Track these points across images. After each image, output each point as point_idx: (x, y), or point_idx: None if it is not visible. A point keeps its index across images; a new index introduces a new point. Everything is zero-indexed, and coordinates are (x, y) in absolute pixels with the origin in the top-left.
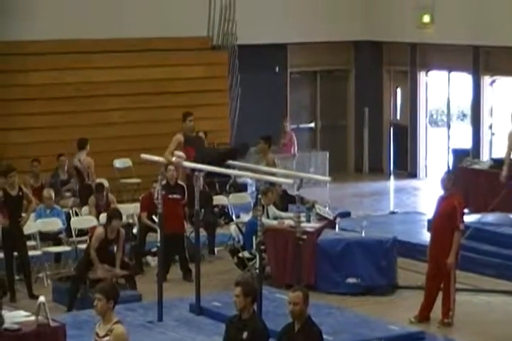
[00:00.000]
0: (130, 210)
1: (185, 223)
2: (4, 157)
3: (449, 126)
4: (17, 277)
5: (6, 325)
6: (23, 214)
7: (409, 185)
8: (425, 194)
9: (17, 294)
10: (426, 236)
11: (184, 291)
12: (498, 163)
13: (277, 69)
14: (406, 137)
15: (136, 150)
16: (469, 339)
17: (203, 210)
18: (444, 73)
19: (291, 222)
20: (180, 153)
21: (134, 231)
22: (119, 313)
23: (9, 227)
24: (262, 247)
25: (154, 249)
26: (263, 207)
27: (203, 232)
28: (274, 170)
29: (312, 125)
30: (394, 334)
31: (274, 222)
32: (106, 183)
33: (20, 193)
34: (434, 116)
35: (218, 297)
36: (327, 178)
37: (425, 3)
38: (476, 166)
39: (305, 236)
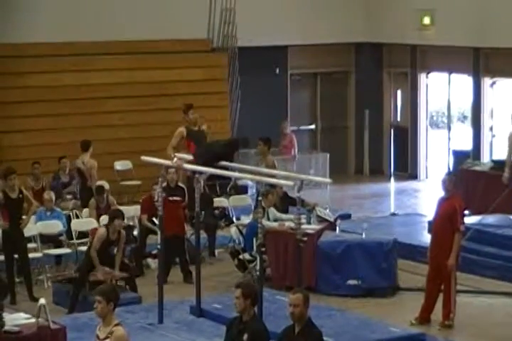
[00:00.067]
0: (130, 212)
1: (185, 225)
2: (4, 159)
3: (449, 128)
4: (17, 279)
5: (6, 328)
6: (24, 217)
7: (410, 187)
8: (426, 196)
9: (17, 296)
10: (426, 238)
11: (185, 293)
12: (498, 164)
13: (277, 71)
14: (406, 139)
15: (137, 153)
16: None
17: (203, 212)
18: (444, 75)
19: (292, 224)
20: (182, 155)
21: (135, 233)
22: (119, 315)
23: (10, 230)
24: (263, 249)
25: (155, 251)
26: (263, 209)
27: (203, 234)
28: (274, 172)
29: (312, 127)
30: (395, 336)
31: (275, 224)
32: (106, 185)
33: (21, 196)
34: (435, 118)
35: (219, 299)
36: (327, 180)
37: (426, 5)
38: (477, 168)
39: (305, 238)
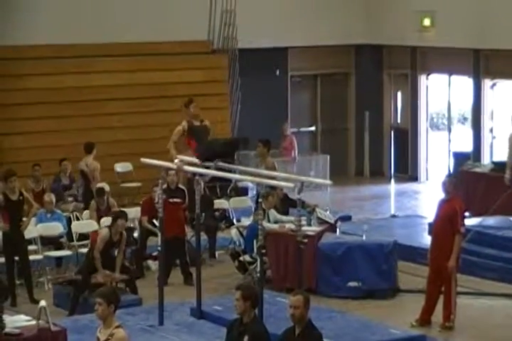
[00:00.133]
0: (131, 214)
1: (186, 227)
2: (4, 161)
3: (449, 130)
4: (18, 281)
5: (7, 330)
6: (24, 219)
7: (410, 189)
8: (426, 197)
9: (18, 298)
10: (427, 240)
11: (185, 295)
12: (499, 166)
13: (278, 72)
14: (407, 140)
15: (137, 154)
16: None
17: (203, 214)
18: (444, 76)
19: (292, 226)
20: (183, 157)
21: (135, 235)
22: (119, 317)
23: (10, 232)
24: (263, 251)
25: (155, 253)
26: (264, 210)
27: (203, 236)
28: (274, 173)
29: (313, 128)
30: (395, 338)
31: (275, 226)
32: (107, 187)
33: (21, 198)
34: (435, 120)
35: (219, 301)
36: (328, 182)
37: (426, 7)
38: (477, 169)
39: (306, 240)
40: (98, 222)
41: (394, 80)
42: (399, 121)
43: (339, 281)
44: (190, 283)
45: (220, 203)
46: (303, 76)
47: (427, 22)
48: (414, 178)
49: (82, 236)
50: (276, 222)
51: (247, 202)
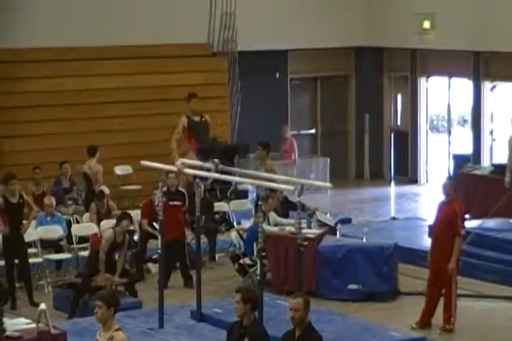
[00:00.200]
0: None
1: (186, 230)
2: (5, 164)
3: (449, 132)
4: (18, 284)
5: (7, 333)
6: (24, 222)
7: (410, 191)
8: (426, 200)
9: (18, 301)
10: (427, 242)
11: (185, 298)
12: (498, 168)
13: (278, 75)
14: (407, 143)
15: (137, 157)
16: None
17: (203, 217)
18: (444, 79)
19: (292, 229)
20: (184, 160)
21: (135, 238)
22: (119, 320)
23: (10, 235)
24: (263, 254)
25: (155, 256)
26: (264, 213)
27: (203, 239)
28: (274, 176)
29: (313, 131)
30: None
31: (275, 229)
32: (107, 190)
33: (21, 201)
34: (435, 122)
35: (219, 303)
36: (328, 184)
37: (426, 9)
38: (477, 172)
39: (306, 243)
40: (98, 224)
41: (394, 83)
42: (399, 123)
43: (339, 284)
44: (190, 285)
45: (220, 206)
46: (303, 78)
47: (426, 24)
48: (414, 181)
49: (82, 239)
50: (276, 225)
51: (247, 204)
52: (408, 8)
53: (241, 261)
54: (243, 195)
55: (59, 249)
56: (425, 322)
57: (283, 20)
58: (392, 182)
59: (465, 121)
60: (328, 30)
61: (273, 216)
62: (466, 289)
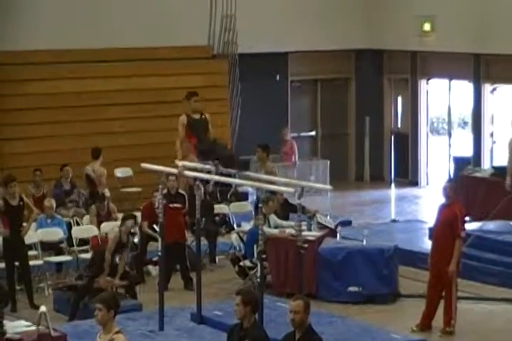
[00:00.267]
0: None
1: (186, 232)
2: (5, 167)
3: (450, 134)
4: (18, 287)
5: (7, 335)
6: (24, 224)
7: (411, 193)
8: (426, 202)
9: (18, 304)
10: (427, 245)
11: (185, 300)
12: (499, 171)
13: (278, 77)
14: (407, 145)
15: (137, 160)
16: None
17: (204, 219)
18: (444, 81)
19: (293, 231)
20: (185, 162)
21: (135, 240)
22: (119, 323)
23: (10, 237)
24: (263, 256)
25: (155, 258)
26: (264, 215)
27: (204, 241)
28: (275, 178)
29: (313, 133)
30: None
31: (275, 231)
32: (107, 193)
33: (21, 203)
34: (435, 124)
35: (219, 306)
36: (328, 187)
37: (426, 12)
38: (477, 174)
39: (306, 245)
40: (98, 227)
41: (394, 85)
42: (399, 125)
43: (339, 286)
44: (190, 288)
45: (220, 208)
46: (303, 81)
47: (427, 27)
48: (414, 183)
49: (83, 242)
50: (276, 227)
51: (247, 207)
52: (408, 11)
53: (241, 264)
54: (243, 197)
55: (59, 252)
56: (425, 325)
57: (283, 23)
58: (393, 185)
59: (465, 123)
60: (328, 33)
61: (273, 218)
62: (466, 291)
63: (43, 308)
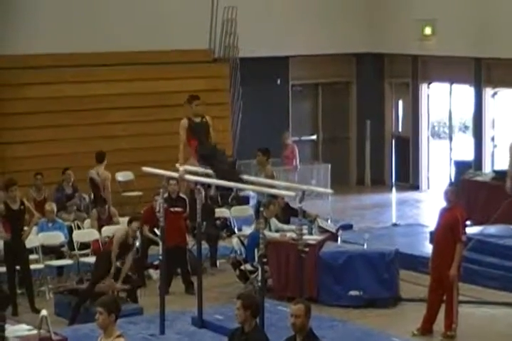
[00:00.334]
0: None
1: (187, 236)
2: (6, 171)
3: (451, 138)
4: (19, 291)
5: (8, 339)
6: (25, 228)
7: (412, 197)
8: (427, 206)
9: (19, 308)
10: (428, 249)
11: (186, 304)
12: (500, 174)
13: (279, 81)
14: (408, 149)
15: (138, 163)
16: None
17: (205, 223)
18: (445, 85)
19: (293, 235)
20: (187, 167)
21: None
22: (121, 327)
23: (11, 241)
24: (264, 260)
25: (156, 262)
26: (265, 219)
27: (205, 245)
28: (276, 182)
29: (314, 137)
30: None
31: (276, 235)
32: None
33: (22, 207)
34: (436, 128)
35: (220, 310)
36: (329, 191)
37: (427, 16)
38: (479, 178)
39: (307, 249)
40: (99, 231)
41: (395, 89)
42: (400, 129)
43: (340, 290)
44: (191, 292)
45: (221, 212)
46: (304, 85)
47: (428, 31)
48: (415, 187)
49: (84, 245)
50: (277, 231)
51: (248, 210)
52: (409, 15)
53: (242, 267)
54: (244, 201)
55: (60, 255)
56: (426, 329)
57: (284, 27)
58: (394, 189)
59: (466, 127)
60: (329, 37)
61: (274, 222)
62: (467, 295)
63: (44, 312)
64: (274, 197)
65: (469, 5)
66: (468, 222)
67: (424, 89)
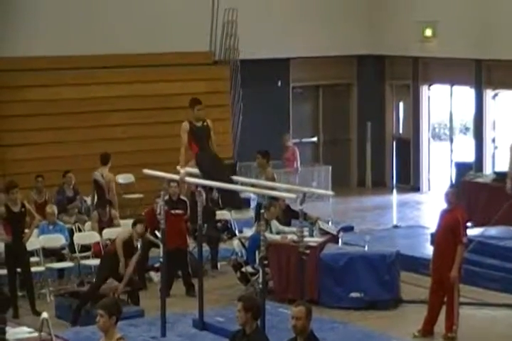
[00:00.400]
0: None
1: (188, 238)
2: (7, 173)
3: (451, 140)
4: (20, 293)
5: None
6: (26, 231)
7: (412, 199)
8: (428, 208)
9: (20, 310)
10: (429, 250)
11: (187, 306)
12: (501, 176)
13: (279, 83)
14: (409, 151)
15: (139, 166)
16: None
17: (205, 225)
18: (446, 87)
19: (294, 237)
20: (187, 169)
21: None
22: (121, 329)
23: (12, 243)
24: (265, 262)
25: (157, 265)
26: (266, 221)
27: (205, 247)
28: (276, 184)
29: (315, 139)
30: None
31: (277, 237)
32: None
33: (23, 209)
34: (437, 130)
35: (221, 312)
36: (330, 192)
37: (427, 17)
38: (479, 180)
39: (308, 251)
40: (100, 233)
41: (396, 91)
42: (401, 131)
43: (341, 292)
44: (192, 294)
45: (222, 214)
46: (304, 87)
47: (428, 32)
48: (416, 189)
49: (84, 248)
50: (278, 233)
51: (249, 213)
52: (410, 16)
53: (243, 270)
54: (245, 203)
55: (61, 258)
56: (427, 331)
57: (285, 29)
58: (394, 190)
59: (467, 129)
60: (329, 39)
61: (275, 224)
62: (468, 297)
63: (44, 315)
64: (275, 199)
65: (470, 7)
66: (468, 224)
67: (425, 90)
